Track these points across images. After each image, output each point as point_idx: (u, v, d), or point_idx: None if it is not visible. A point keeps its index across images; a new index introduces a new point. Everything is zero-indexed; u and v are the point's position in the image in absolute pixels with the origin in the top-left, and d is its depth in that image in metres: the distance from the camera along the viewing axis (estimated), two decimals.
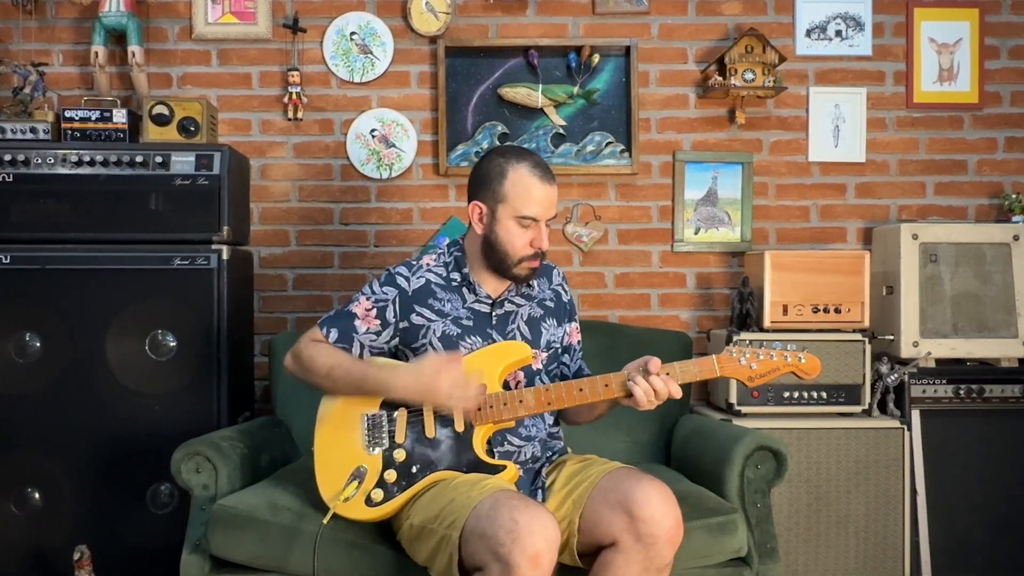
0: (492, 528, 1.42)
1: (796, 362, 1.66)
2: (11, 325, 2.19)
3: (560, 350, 1.85)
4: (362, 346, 1.75)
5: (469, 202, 1.75)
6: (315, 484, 1.71)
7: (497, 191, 1.69)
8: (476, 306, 1.77)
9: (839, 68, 2.72)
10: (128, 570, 2.17)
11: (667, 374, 1.63)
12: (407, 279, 1.77)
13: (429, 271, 1.78)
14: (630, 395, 1.62)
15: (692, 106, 2.71)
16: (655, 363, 1.61)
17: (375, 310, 1.75)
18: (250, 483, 1.93)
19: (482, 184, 1.72)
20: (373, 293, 1.77)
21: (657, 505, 1.51)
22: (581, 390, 1.65)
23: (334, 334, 1.74)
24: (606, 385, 1.64)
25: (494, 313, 1.77)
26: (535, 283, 1.82)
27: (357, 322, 1.74)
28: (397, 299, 1.75)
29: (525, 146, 2.66)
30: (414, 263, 1.79)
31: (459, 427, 1.67)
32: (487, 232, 1.71)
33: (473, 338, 1.74)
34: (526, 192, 1.67)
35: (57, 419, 2.18)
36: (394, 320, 1.75)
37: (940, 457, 2.40)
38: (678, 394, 1.62)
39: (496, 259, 1.72)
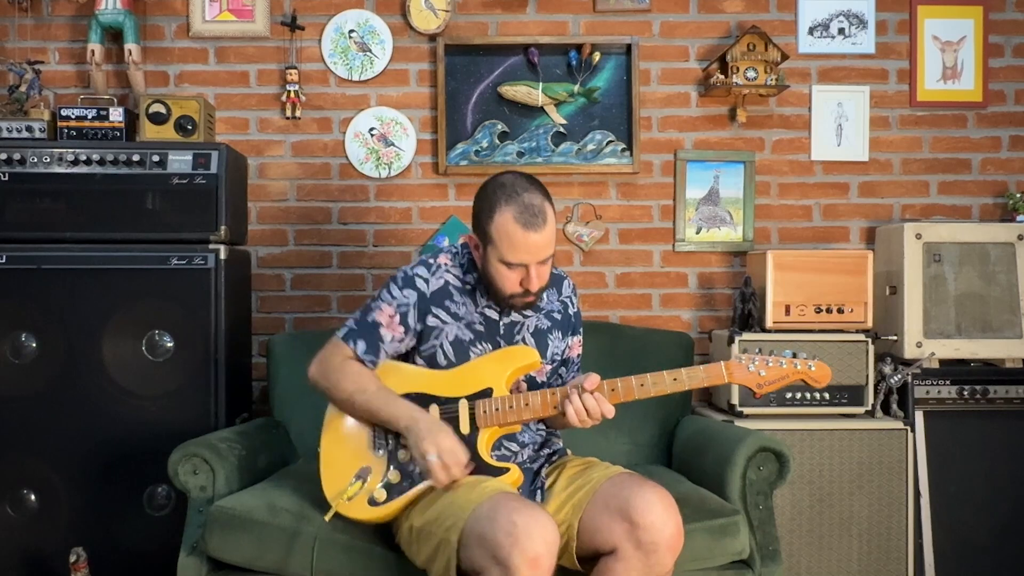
0: (491, 530, 1.41)
1: (806, 370, 1.64)
2: (7, 325, 2.18)
3: (560, 363, 1.83)
4: (388, 356, 1.73)
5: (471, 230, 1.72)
6: (317, 484, 1.71)
7: (486, 231, 1.64)
8: (487, 311, 1.75)
9: (842, 66, 2.70)
10: (125, 572, 2.16)
11: (611, 390, 1.61)
12: (426, 281, 1.74)
13: (447, 271, 1.75)
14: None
15: (694, 104, 2.69)
16: (591, 381, 1.60)
17: (398, 316, 1.72)
18: (248, 485, 1.92)
19: (476, 218, 1.68)
20: (394, 298, 1.73)
21: (658, 512, 1.50)
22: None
23: (361, 346, 1.71)
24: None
25: (502, 321, 1.76)
26: (544, 294, 1.79)
27: (383, 330, 1.71)
28: (417, 303, 1.72)
29: (524, 145, 2.65)
30: (432, 262, 1.76)
31: (464, 429, 1.66)
32: (481, 265, 1.70)
33: (483, 345, 1.73)
34: (509, 241, 1.61)
35: (53, 420, 2.16)
36: (414, 324, 1.73)
37: (944, 459, 2.38)
38: (611, 414, 1.60)
39: (491, 291, 1.71)
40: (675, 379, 1.62)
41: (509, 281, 1.65)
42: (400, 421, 1.63)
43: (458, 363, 1.71)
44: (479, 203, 1.67)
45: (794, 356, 1.64)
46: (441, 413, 1.67)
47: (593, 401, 1.59)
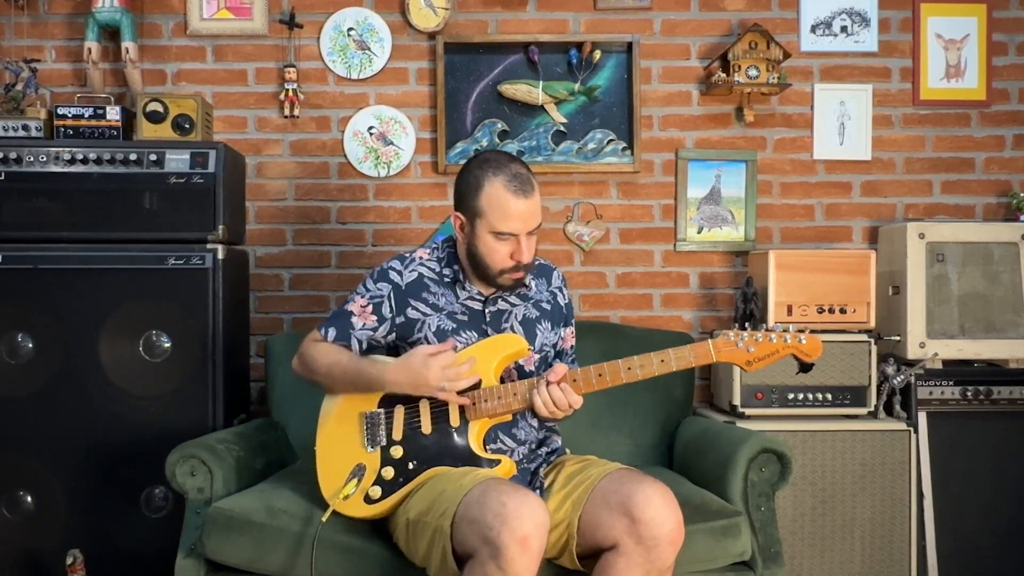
0: (481, 512, 1.42)
1: (796, 343, 1.63)
2: (3, 325, 2.16)
3: (552, 354, 1.83)
4: (360, 343, 1.76)
5: (454, 210, 1.74)
6: (315, 485, 1.72)
7: (474, 205, 1.67)
8: (469, 302, 1.76)
9: (844, 64, 2.68)
10: (122, 575, 2.14)
11: (573, 380, 1.63)
12: (400, 273, 1.77)
13: (422, 264, 1.78)
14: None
15: (695, 103, 2.67)
16: (556, 372, 1.62)
17: (371, 306, 1.75)
18: (246, 486, 1.91)
19: (461, 196, 1.70)
20: (367, 290, 1.77)
21: (658, 507, 1.50)
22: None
23: (332, 333, 1.75)
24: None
25: (487, 310, 1.76)
26: (532, 284, 1.81)
27: (354, 319, 1.75)
28: (392, 294, 1.75)
29: (524, 144, 2.64)
30: (407, 256, 1.79)
31: (454, 422, 1.65)
32: (468, 243, 1.71)
33: (468, 333, 1.73)
34: (501, 208, 1.64)
35: (50, 421, 2.15)
36: (390, 315, 1.74)
37: (947, 460, 2.37)
38: (578, 404, 1.62)
39: (480, 270, 1.72)
40: (663, 360, 1.63)
41: (500, 255, 1.67)
42: (385, 385, 1.66)
43: None
44: (464, 179, 1.70)
45: (784, 330, 1.63)
46: (431, 406, 1.68)
47: (559, 392, 1.61)
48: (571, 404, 1.62)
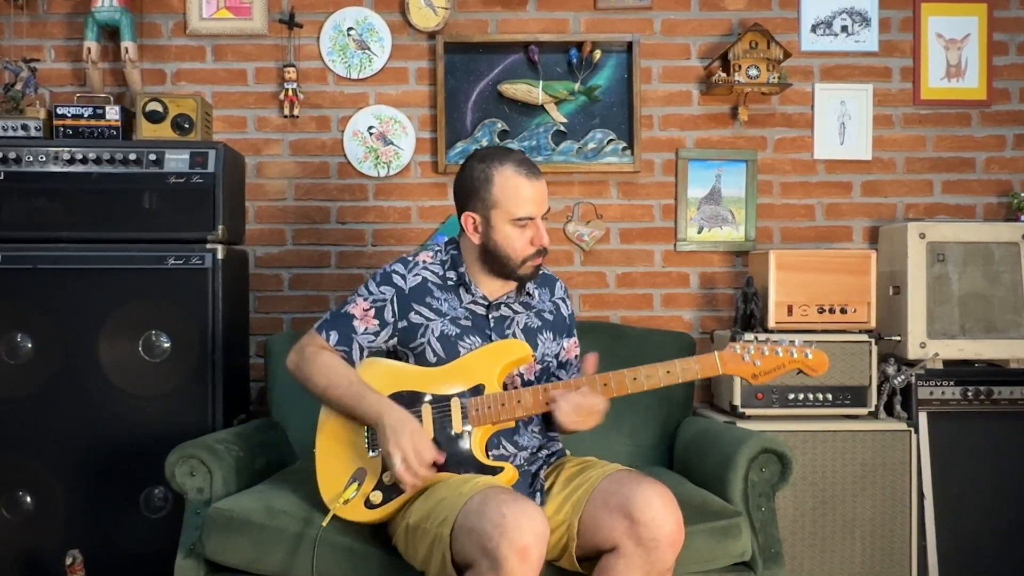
0: (480, 523, 1.41)
1: (803, 358, 1.62)
2: (3, 325, 2.16)
3: (556, 365, 1.82)
4: (361, 348, 1.73)
5: (459, 213, 1.72)
6: (315, 486, 1.71)
7: (486, 199, 1.67)
8: (472, 307, 1.75)
9: (845, 64, 2.68)
10: (122, 575, 2.14)
11: (604, 384, 1.63)
12: (403, 277, 1.75)
13: (425, 268, 1.76)
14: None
15: (695, 103, 2.67)
16: (589, 364, 1.64)
17: (373, 310, 1.73)
18: (246, 486, 1.91)
19: (469, 194, 1.69)
20: (370, 293, 1.74)
21: (658, 508, 1.49)
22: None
23: (334, 337, 1.73)
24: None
25: (491, 315, 1.75)
26: (535, 292, 1.80)
27: (356, 323, 1.73)
28: (395, 298, 1.73)
29: (524, 144, 2.64)
30: (410, 259, 1.78)
31: (456, 427, 1.65)
32: (484, 241, 1.70)
33: (472, 338, 1.72)
34: (516, 194, 1.65)
35: (49, 421, 2.15)
36: (392, 320, 1.73)
37: (948, 460, 2.36)
38: (602, 406, 1.63)
39: (499, 265, 1.70)
40: (668, 371, 1.63)
41: (520, 243, 1.67)
42: (369, 419, 1.63)
43: (448, 359, 1.70)
44: (469, 178, 1.70)
45: (791, 344, 1.63)
46: (433, 411, 1.66)
47: (579, 397, 1.62)
48: (593, 407, 1.61)
